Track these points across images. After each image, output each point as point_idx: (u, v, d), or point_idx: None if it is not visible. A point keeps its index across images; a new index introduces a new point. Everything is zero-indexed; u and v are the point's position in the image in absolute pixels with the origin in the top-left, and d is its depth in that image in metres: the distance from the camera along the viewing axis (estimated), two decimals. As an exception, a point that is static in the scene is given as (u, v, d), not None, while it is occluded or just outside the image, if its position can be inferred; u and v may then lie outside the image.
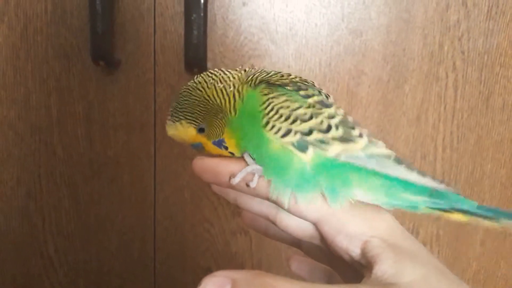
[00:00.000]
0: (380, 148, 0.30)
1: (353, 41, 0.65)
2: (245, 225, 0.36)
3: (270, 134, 0.29)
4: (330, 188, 0.29)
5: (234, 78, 0.32)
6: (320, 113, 0.30)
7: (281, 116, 0.29)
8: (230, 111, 0.31)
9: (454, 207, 0.31)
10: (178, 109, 0.32)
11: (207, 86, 0.31)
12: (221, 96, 0.31)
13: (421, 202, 0.30)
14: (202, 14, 0.61)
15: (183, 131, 0.32)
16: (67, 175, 0.71)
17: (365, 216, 0.29)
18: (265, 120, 0.29)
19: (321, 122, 0.30)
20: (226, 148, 0.32)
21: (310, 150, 0.29)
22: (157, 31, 0.65)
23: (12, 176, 0.71)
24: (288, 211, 0.30)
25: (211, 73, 0.32)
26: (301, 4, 0.64)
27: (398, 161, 0.30)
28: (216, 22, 0.64)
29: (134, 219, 0.72)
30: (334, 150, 0.29)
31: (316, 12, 0.64)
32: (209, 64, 0.64)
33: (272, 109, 0.30)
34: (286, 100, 0.30)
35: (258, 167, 0.30)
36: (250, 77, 0.31)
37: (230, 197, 0.33)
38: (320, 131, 0.29)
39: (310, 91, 0.31)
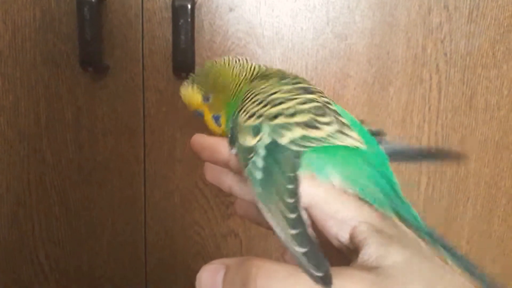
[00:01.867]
0: (345, 140, 0.29)
1: (338, 44, 0.66)
2: (238, 214, 0.37)
3: (239, 118, 0.30)
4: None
5: (250, 70, 0.35)
6: (294, 99, 0.30)
7: (255, 101, 0.30)
8: (232, 94, 0.33)
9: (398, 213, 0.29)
10: (197, 75, 0.35)
11: (227, 66, 0.34)
12: (233, 79, 0.34)
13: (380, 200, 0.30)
14: (189, 20, 0.61)
15: (192, 94, 0.35)
16: (56, 181, 0.71)
17: (354, 202, 0.29)
18: (241, 106, 0.31)
19: (289, 107, 0.30)
20: (220, 125, 0.34)
21: (260, 135, 0.29)
22: (145, 36, 0.65)
23: (1, 183, 0.71)
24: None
25: (238, 58, 0.35)
26: (287, 8, 0.65)
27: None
28: (204, 28, 0.65)
29: (125, 224, 0.73)
30: (290, 135, 0.29)
31: (302, 17, 0.65)
32: (197, 69, 0.64)
33: (249, 97, 0.31)
34: (266, 87, 0.31)
35: None
36: (251, 81, 0.34)
37: (225, 186, 0.34)
38: (286, 115, 0.29)
39: (296, 80, 0.32)
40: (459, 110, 0.70)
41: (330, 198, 0.29)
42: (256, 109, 0.30)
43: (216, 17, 0.65)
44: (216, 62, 0.35)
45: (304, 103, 0.30)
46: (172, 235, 0.73)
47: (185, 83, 0.35)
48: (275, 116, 0.29)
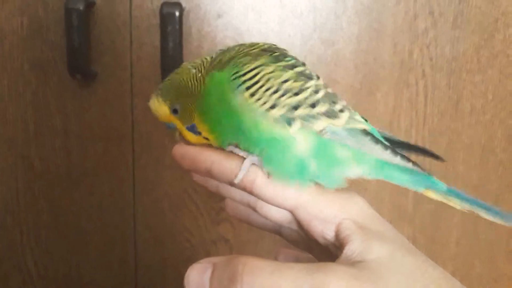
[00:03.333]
0: (359, 123, 0.31)
1: (325, 50, 0.67)
2: (228, 213, 0.37)
3: (257, 107, 0.30)
4: (322, 167, 0.30)
5: (204, 63, 0.33)
6: (307, 88, 0.30)
7: (268, 88, 0.30)
8: (198, 95, 0.32)
9: (428, 187, 0.33)
10: (161, 86, 0.34)
11: (185, 72, 0.33)
12: (192, 81, 0.32)
13: (404, 179, 0.33)
14: (177, 27, 0.62)
15: (158, 106, 0.34)
16: (45, 188, 0.71)
17: (338, 200, 0.30)
18: (251, 90, 0.30)
19: (309, 96, 0.30)
20: (200, 133, 0.33)
21: (297, 124, 0.30)
22: (133, 43, 0.65)
23: (-11, 190, 0.71)
24: (265, 201, 0.31)
25: (193, 61, 0.34)
26: (274, 15, 0.66)
27: (374, 139, 0.31)
28: (192, 34, 0.65)
29: (114, 231, 0.72)
30: (321, 124, 0.30)
31: (289, 23, 0.66)
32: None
33: (259, 81, 0.30)
34: (274, 71, 0.31)
35: (255, 157, 0.30)
36: (218, 60, 0.32)
37: (212, 185, 0.34)
38: (307, 106, 0.30)
39: (289, 61, 0.32)
40: (446, 114, 0.71)
41: (313, 198, 0.30)
42: (274, 97, 0.30)
43: (204, 23, 0.65)
44: (174, 72, 0.34)
45: (316, 91, 0.31)
46: (162, 242, 0.73)
47: (151, 97, 0.34)
48: (296, 107, 0.30)
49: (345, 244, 0.27)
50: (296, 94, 0.30)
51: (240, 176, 0.30)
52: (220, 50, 0.34)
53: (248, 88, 0.30)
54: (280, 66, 0.31)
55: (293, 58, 0.33)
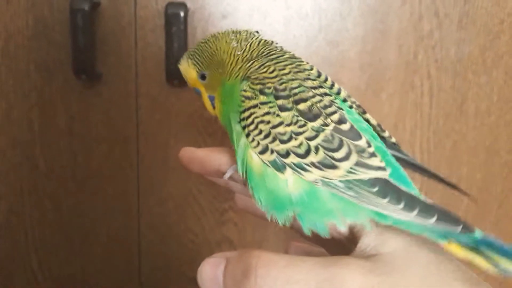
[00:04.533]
0: (369, 172, 0.28)
1: (330, 51, 0.67)
2: (238, 207, 0.37)
3: (250, 147, 0.29)
4: (305, 216, 0.29)
5: (244, 47, 0.32)
6: (301, 132, 0.28)
7: (260, 131, 0.29)
8: (227, 74, 0.31)
9: (451, 237, 0.27)
10: (194, 49, 0.33)
11: (224, 40, 0.32)
12: (228, 55, 0.32)
13: (415, 230, 0.28)
14: (182, 27, 0.62)
15: (188, 69, 0.34)
16: (49, 189, 0.71)
17: None
18: (246, 130, 0.29)
19: (300, 144, 0.28)
20: (214, 107, 0.33)
21: (288, 171, 0.28)
22: (138, 44, 0.65)
23: (-6, 191, 0.71)
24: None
25: (237, 32, 0.33)
26: (280, 16, 0.66)
27: (383, 190, 0.27)
28: (196, 35, 0.65)
29: (118, 231, 0.72)
30: (312, 176, 0.28)
31: (294, 24, 0.66)
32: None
33: (252, 122, 0.29)
34: (267, 114, 0.29)
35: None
36: (249, 63, 0.31)
37: (221, 182, 0.34)
38: (298, 155, 0.28)
39: (289, 100, 0.29)
40: (450, 116, 0.71)
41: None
42: (265, 142, 0.28)
43: (209, 24, 0.65)
44: (214, 36, 0.33)
45: (312, 138, 0.28)
46: (166, 243, 0.73)
47: (183, 57, 0.34)
48: (287, 154, 0.28)
49: (359, 237, 0.27)
50: (285, 142, 0.28)
51: (227, 174, 0.31)
52: (260, 34, 0.33)
53: (244, 128, 0.29)
54: (278, 105, 0.28)
55: (308, 88, 0.29)
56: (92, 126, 0.68)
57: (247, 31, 0.34)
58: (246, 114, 0.29)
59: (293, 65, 0.31)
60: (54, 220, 0.72)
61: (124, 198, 0.71)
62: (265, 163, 0.29)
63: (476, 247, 0.27)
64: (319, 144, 0.28)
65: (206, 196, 0.71)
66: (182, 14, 0.61)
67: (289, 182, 0.28)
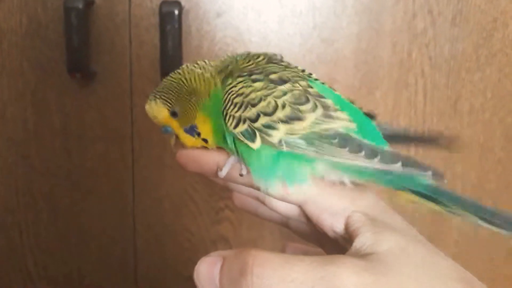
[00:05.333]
0: (334, 122, 0.29)
1: (325, 49, 0.67)
2: (236, 206, 0.37)
3: (227, 126, 0.30)
4: (287, 175, 0.29)
5: (212, 66, 0.33)
6: (270, 94, 0.29)
7: (235, 105, 0.29)
8: (204, 95, 0.32)
9: (406, 187, 0.29)
10: (158, 89, 0.33)
11: (187, 71, 0.33)
12: (197, 80, 0.32)
13: (374, 179, 0.29)
14: (177, 26, 0.62)
15: (157, 110, 0.33)
16: (44, 188, 0.71)
17: (347, 193, 0.30)
18: (224, 112, 0.30)
19: (268, 103, 0.29)
20: (199, 134, 0.32)
21: (258, 138, 0.29)
22: (133, 42, 0.65)
23: (-11, 190, 0.71)
24: (273, 197, 0.31)
25: (196, 62, 0.33)
26: (274, 14, 0.66)
27: (344, 141, 0.28)
28: (191, 33, 0.65)
29: (114, 231, 0.72)
30: (278, 134, 0.29)
31: (289, 22, 0.66)
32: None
33: (229, 100, 0.30)
34: (242, 87, 0.30)
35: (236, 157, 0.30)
36: (225, 70, 0.32)
37: (219, 181, 0.34)
38: (266, 114, 0.29)
39: (262, 75, 0.30)
40: (445, 114, 0.71)
41: (322, 192, 0.30)
42: (239, 113, 0.29)
43: (203, 22, 0.65)
44: (173, 73, 0.33)
45: (280, 96, 0.29)
46: (162, 241, 0.73)
47: (149, 99, 0.33)
48: (257, 117, 0.29)
49: (355, 236, 0.27)
50: (255, 104, 0.29)
51: (223, 171, 0.30)
52: (228, 57, 0.34)
53: (223, 112, 0.30)
54: (250, 79, 0.30)
55: (279, 66, 0.31)
56: (87, 125, 0.68)
57: (201, 60, 0.34)
58: (224, 97, 0.30)
59: (267, 56, 0.33)
60: (50, 220, 0.72)
61: (119, 197, 0.71)
62: (238, 137, 0.29)
63: (430, 196, 0.29)
64: (286, 100, 0.29)
65: (202, 195, 0.71)
66: (176, 12, 0.61)
67: (260, 152, 0.29)
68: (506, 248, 0.78)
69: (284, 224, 0.36)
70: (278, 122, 0.29)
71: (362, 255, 0.26)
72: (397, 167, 0.28)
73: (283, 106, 0.29)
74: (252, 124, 0.29)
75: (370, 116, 0.34)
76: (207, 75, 0.32)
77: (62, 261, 0.73)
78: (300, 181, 0.29)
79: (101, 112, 0.68)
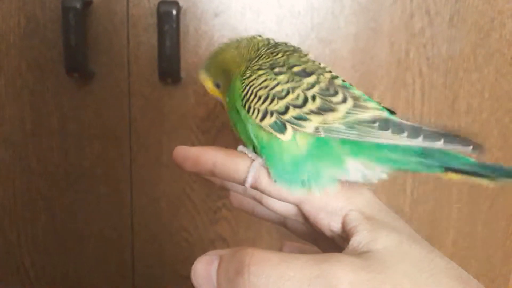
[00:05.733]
0: (367, 111, 0.29)
1: (323, 50, 0.67)
2: (234, 206, 0.37)
3: (252, 119, 0.30)
4: (315, 171, 0.29)
5: (248, 47, 0.35)
6: (298, 86, 0.30)
7: (259, 98, 0.30)
8: (233, 77, 0.33)
9: (448, 166, 0.30)
10: (207, 61, 0.37)
11: (226, 51, 0.35)
12: (231, 62, 0.34)
13: (414, 163, 0.30)
14: (174, 26, 0.62)
15: (205, 81, 0.36)
16: (42, 188, 0.70)
17: (344, 192, 0.30)
18: (247, 105, 0.30)
19: (297, 96, 0.29)
20: None
21: (289, 130, 0.29)
22: (131, 42, 0.65)
23: (-14, 190, 0.71)
24: (270, 196, 0.31)
25: (239, 40, 0.36)
26: (272, 14, 0.66)
27: (385, 124, 0.29)
28: (189, 33, 0.65)
29: (111, 230, 0.72)
30: (312, 124, 0.29)
31: (287, 23, 0.66)
32: (182, 74, 0.65)
33: (252, 93, 0.30)
34: (265, 80, 0.30)
35: (260, 160, 0.30)
36: (252, 60, 0.33)
37: (216, 180, 0.35)
38: (296, 106, 0.29)
39: (284, 67, 0.31)
40: (442, 114, 0.71)
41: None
42: (264, 106, 0.30)
43: (201, 22, 0.65)
44: (220, 47, 0.36)
45: (309, 88, 0.30)
46: (159, 241, 0.73)
47: (200, 71, 0.37)
48: (286, 109, 0.29)
49: (352, 235, 0.28)
50: (283, 97, 0.29)
51: (249, 179, 0.30)
52: (260, 37, 0.36)
53: (244, 105, 0.31)
54: (273, 72, 0.30)
55: (301, 61, 0.32)
56: (85, 125, 0.68)
57: (248, 37, 0.36)
58: (246, 90, 0.31)
59: (287, 51, 0.34)
60: (47, 220, 0.72)
61: (117, 197, 0.71)
62: (266, 130, 0.30)
63: (472, 171, 0.29)
64: (315, 92, 0.29)
65: (199, 195, 0.71)
66: (174, 12, 0.61)
67: (293, 141, 0.29)
68: (503, 248, 0.78)
69: (281, 223, 0.36)
70: (310, 114, 0.29)
71: (359, 254, 0.26)
72: (440, 144, 0.28)
73: (313, 98, 0.29)
74: (281, 116, 0.29)
75: (391, 111, 0.34)
76: (237, 62, 0.34)
77: (59, 261, 0.73)
78: (327, 183, 0.30)
79: (99, 112, 0.68)
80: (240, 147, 0.32)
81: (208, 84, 0.36)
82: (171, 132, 0.68)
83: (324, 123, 0.29)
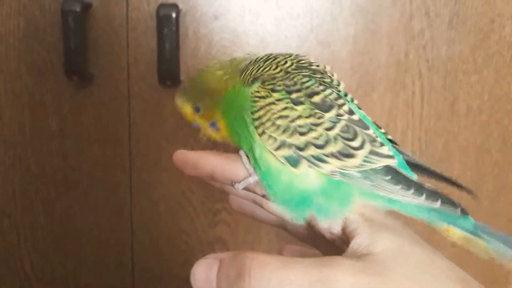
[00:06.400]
0: (381, 160, 0.30)
1: (322, 52, 0.67)
2: (233, 208, 0.37)
3: (264, 144, 0.30)
4: (324, 206, 0.29)
5: (233, 65, 0.34)
6: (319, 124, 0.29)
7: (278, 127, 0.29)
8: (222, 96, 0.33)
9: (451, 223, 0.32)
10: (184, 86, 0.35)
11: (209, 71, 0.34)
12: (218, 80, 0.33)
13: (420, 215, 0.32)
14: (174, 29, 0.62)
15: (181, 105, 0.35)
16: (41, 191, 0.70)
17: None
18: (260, 129, 0.30)
19: (319, 136, 0.29)
20: (218, 130, 0.33)
21: (303, 165, 0.29)
22: (130, 45, 0.65)
23: (-14, 193, 0.71)
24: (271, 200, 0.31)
25: (218, 61, 0.35)
26: (271, 17, 0.66)
27: (396, 179, 0.29)
28: (188, 36, 0.65)
29: (111, 233, 0.72)
30: (330, 167, 0.29)
31: (286, 25, 0.66)
32: (182, 77, 0.65)
33: (268, 119, 0.30)
34: (285, 109, 0.29)
35: (256, 177, 0.31)
36: (244, 72, 0.32)
37: (217, 184, 0.35)
38: (317, 146, 0.29)
39: (308, 87, 0.30)
40: (442, 116, 0.71)
41: None
42: (283, 137, 0.29)
43: (200, 25, 0.65)
44: (198, 71, 0.35)
45: (330, 128, 0.29)
46: (158, 244, 0.73)
47: (176, 96, 0.35)
48: (305, 146, 0.29)
49: (352, 237, 0.28)
50: (304, 133, 0.29)
51: (241, 186, 0.31)
52: (249, 55, 0.35)
53: (257, 128, 0.30)
54: (292, 100, 0.30)
55: (316, 81, 0.31)
56: (84, 127, 0.68)
57: (231, 58, 0.35)
58: (261, 112, 0.30)
59: (293, 59, 0.33)
60: (46, 222, 0.72)
61: (116, 199, 0.71)
62: (279, 159, 0.29)
63: (472, 232, 0.31)
64: (337, 134, 0.29)
65: (199, 197, 0.71)
66: (173, 15, 0.61)
67: (308, 176, 0.29)
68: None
69: (281, 226, 0.36)
70: (330, 157, 0.29)
71: (359, 256, 0.26)
72: (438, 204, 0.30)
73: (335, 140, 0.29)
74: (299, 152, 0.29)
75: (392, 142, 0.34)
76: (226, 77, 0.33)
77: (59, 264, 0.73)
78: (333, 217, 0.30)
79: (98, 115, 0.68)
80: (242, 151, 0.32)
81: (187, 109, 0.34)
82: (171, 135, 0.68)
83: (342, 169, 0.29)
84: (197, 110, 0.34)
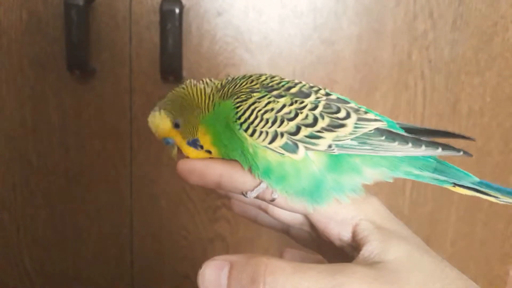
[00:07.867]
0: (370, 123, 0.31)
1: (325, 50, 0.67)
2: (234, 212, 0.37)
3: (259, 143, 0.30)
4: (336, 183, 0.30)
5: (214, 84, 0.34)
6: (303, 107, 0.30)
7: (267, 121, 0.30)
8: (205, 109, 0.32)
9: (457, 182, 0.33)
10: (162, 102, 0.34)
11: (190, 86, 0.33)
12: (199, 95, 0.33)
13: (426, 176, 0.32)
14: (177, 24, 0.62)
15: (160, 120, 0.33)
16: (42, 185, 0.70)
17: (353, 201, 0.30)
18: (250, 129, 0.30)
19: (306, 116, 0.30)
20: (202, 147, 0.32)
21: (301, 149, 0.29)
22: (133, 40, 0.65)
23: (-14, 186, 0.70)
24: (279, 207, 0.31)
25: (200, 80, 0.34)
26: (275, 14, 0.66)
27: (390, 136, 0.31)
28: (192, 32, 0.65)
29: (111, 228, 0.72)
30: (325, 142, 0.29)
31: (289, 23, 0.66)
32: (184, 73, 0.65)
33: (256, 116, 0.30)
34: (269, 103, 0.30)
35: (266, 182, 0.30)
36: (222, 90, 0.32)
37: (222, 192, 0.34)
38: (308, 125, 0.30)
39: (283, 85, 0.31)
40: (443, 116, 0.71)
41: None
42: (273, 128, 0.30)
43: (204, 21, 0.65)
44: (177, 87, 0.34)
45: (314, 108, 0.30)
46: (158, 239, 0.73)
47: (152, 111, 0.33)
48: (297, 129, 0.30)
49: (363, 244, 0.28)
50: (293, 118, 0.30)
51: (253, 194, 0.31)
52: (228, 78, 0.34)
53: (246, 130, 0.30)
54: (273, 95, 0.31)
55: (288, 81, 0.32)
56: (85, 121, 0.68)
57: (208, 79, 0.35)
58: (247, 114, 0.30)
59: (267, 75, 0.34)
60: (47, 216, 0.72)
61: (116, 194, 0.71)
62: (277, 151, 0.30)
63: (476, 188, 0.33)
64: (321, 111, 0.30)
65: (199, 194, 0.71)
66: (177, 10, 0.61)
67: (309, 160, 0.30)
68: (501, 249, 0.78)
69: (284, 231, 0.36)
70: (323, 131, 0.30)
71: (370, 264, 0.26)
72: (439, 150, 0.31)
73: (322, 117, 0.30)
74: (292, 137, 0.29)
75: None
76: (209, 90, 0.33)
77: (58, 258, 0.73)
78: (355, 191, 0.30)
79: (99, 109, 0.67)
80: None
81: (166, 123, 0.33)
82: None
83: (337, 140, 0.30)
84: (176, 126, 0.33)
